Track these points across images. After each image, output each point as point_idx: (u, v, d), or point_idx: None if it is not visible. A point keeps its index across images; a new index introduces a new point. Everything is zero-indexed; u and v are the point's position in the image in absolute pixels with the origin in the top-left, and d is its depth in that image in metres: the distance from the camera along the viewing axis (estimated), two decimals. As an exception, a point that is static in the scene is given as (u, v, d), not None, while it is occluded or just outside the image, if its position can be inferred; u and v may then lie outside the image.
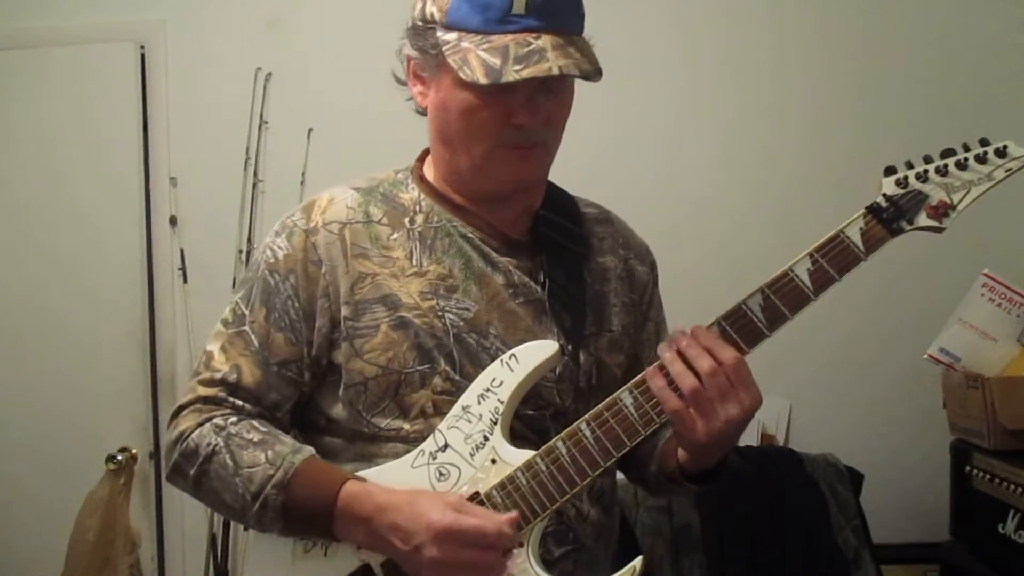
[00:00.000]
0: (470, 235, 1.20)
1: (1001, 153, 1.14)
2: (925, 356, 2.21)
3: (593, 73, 1.10)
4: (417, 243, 1.20)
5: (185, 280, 2.68)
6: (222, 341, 1.19)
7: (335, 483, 1.10)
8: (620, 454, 1.10)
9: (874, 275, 2.55)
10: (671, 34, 2.66)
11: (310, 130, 2.65)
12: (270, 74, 2.68)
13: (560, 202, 1.29)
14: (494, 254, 1.20)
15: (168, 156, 2.72)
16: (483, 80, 1.06)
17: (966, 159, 1.14)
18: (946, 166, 1.14)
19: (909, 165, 1.15)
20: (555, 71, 1.06)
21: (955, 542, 2.14)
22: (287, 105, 2.68)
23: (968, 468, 2.09)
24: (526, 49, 1.07)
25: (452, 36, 1.11)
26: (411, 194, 1.23)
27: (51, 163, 2.72)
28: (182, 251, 2.69)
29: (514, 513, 1.07)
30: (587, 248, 1.27)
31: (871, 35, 2.63)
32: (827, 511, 2.16)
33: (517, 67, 1.06)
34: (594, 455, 1.10)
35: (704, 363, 1.05)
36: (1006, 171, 1.13)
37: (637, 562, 1.10)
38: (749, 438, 2.46)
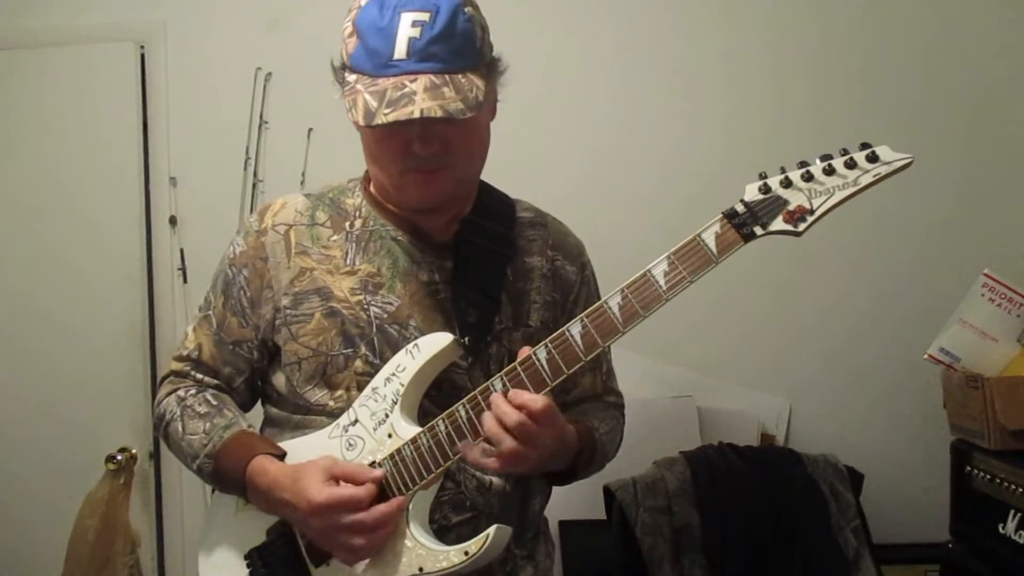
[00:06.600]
0: (399, 238, 1.36)
1: (872, 158, 1.12)
2: (925, 356, 2.21)
3: (459, 112, 1.18)
4: (353, 244, 1.36)
5: (185, 280, 2.68)
6: (194, 323, 1.45)
7: (246, 459, 1.29)
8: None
9: (874, 275, 2.58)
10: (674, 38, 2.66)
11: (310, 130, 2.65)
12: (270, 74, 2.69)
13: (491, 207, 1.42)
14: (419, 255, 1.35)
15: (168, 156, 2.72)
16: (361, 122, 1.20)
17: (832, 165, 1.13)
18: (811, 172, 1.13)
19: (782, 171, 1.15)
20: (416, 114, 1.16)
21: (955, 542, 2.14)
22: (287, 105, 2.68)
23: (968, 468, 2.09)
24: (399, 93, 1.18)
25: (352, 78, 1.25)
26: (355, 200, 1.40)
27: (51, 163, 2.72)
28: (182, 251, 2.69)
29: (379, 471, 1.24)
30: (512, 249, 1.40)
31: (871, 36, 2.63)
32: (827, 511, 2.16)
33: (387, 111, 1.18)
34: (466, 433, 1.22)
35: (511, 419, 1.16)
36: (874, 176, 1.12)
37: (492, 530, 1.18)
38: (749, 438, 2.46)
